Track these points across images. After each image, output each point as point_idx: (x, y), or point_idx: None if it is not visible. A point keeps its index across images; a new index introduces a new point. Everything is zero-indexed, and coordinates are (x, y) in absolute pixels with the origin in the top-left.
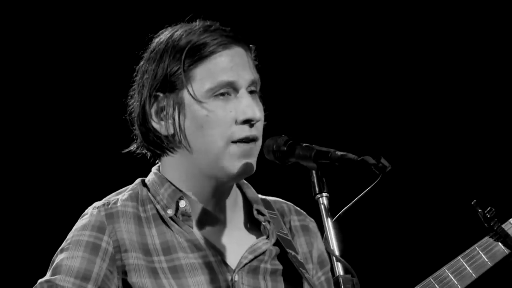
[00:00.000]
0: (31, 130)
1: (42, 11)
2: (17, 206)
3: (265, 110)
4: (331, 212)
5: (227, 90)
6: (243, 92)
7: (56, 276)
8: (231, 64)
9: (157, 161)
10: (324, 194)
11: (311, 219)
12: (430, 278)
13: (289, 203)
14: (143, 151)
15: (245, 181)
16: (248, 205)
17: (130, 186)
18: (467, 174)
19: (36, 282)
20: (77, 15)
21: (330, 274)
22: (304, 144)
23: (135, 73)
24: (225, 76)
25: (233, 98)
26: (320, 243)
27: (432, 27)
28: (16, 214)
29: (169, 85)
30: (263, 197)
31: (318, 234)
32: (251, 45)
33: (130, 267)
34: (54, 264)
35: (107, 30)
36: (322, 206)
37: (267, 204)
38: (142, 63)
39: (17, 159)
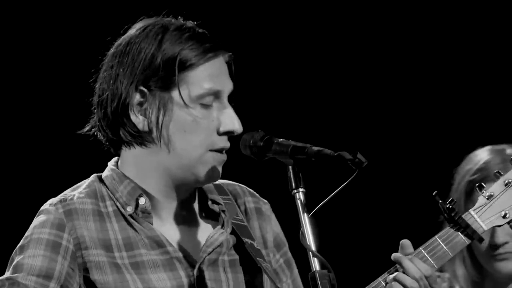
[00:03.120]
0: None
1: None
2: None
3: (241, 106)
4: (308, 207)
5: (212, 100)
6: (226, 102)
7: (18, 274)
8: (217, 72)
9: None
10: (300, 189)
11: (265, 201)
12: (392, 269)
13: (242, 185)
14: (103, 142)
15: None
16: (202, 194)
17: (85, 182)
18: (430, 167)
19: None
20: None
21: (289, 254)
22: (281, 140)
23: (105, 58)
24: (213, 84)
25: (215, 106)
26: (275, 225)
27: (413, 23)
28: None
29: (157, 83)
30: (216, 182)
31: (272, 216)
32: (230, 54)
33: (92, 264)
34: (15, 262)
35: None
36: (299, 202)
37: (220, 189)
38: (117, 49)
39: None
